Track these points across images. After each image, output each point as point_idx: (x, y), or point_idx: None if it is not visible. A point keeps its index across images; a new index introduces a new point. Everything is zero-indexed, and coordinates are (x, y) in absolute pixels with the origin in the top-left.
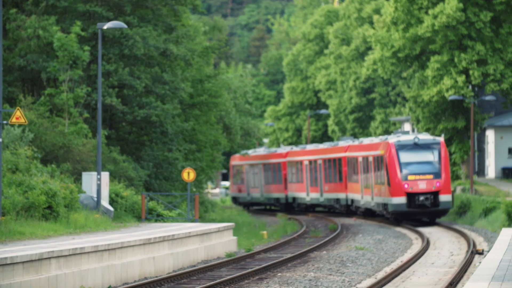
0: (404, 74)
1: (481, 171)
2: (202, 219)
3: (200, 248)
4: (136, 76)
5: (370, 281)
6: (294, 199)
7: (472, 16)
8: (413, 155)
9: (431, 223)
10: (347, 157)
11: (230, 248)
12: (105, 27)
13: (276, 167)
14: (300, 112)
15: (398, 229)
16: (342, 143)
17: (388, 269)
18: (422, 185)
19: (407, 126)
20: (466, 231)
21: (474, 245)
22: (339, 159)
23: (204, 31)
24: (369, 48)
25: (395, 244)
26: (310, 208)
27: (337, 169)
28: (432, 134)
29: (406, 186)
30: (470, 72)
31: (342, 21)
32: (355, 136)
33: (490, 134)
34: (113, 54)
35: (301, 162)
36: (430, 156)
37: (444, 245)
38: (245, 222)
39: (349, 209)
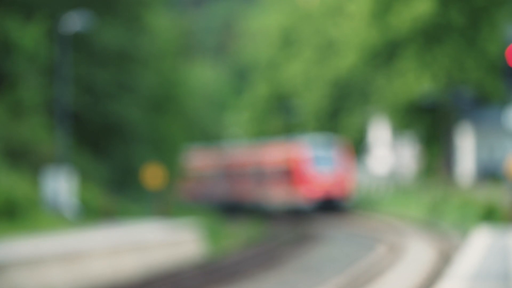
0: (379, 77)
1: (457, 171)
2: (168, 219)
3: (165, 252)
4: (101, 75)
5: (340, 284)
6: None
7: (452, 12)
8: (318, 159)
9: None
10: (250, 161)
11: (197, 252)
12: (68, 22)
13: None
14: (271, 108)
15: (368, 230)
16: (243, 147)
17: (358, 272)
18: (326, 186)
19: (381, 124)
20: (439, 231)
21: (448, 246)
22: (242, 163)
23: (167, 31)
24: (336, 42)
25: (366, 246)
26: None
27: (240, 173)
28: (406, 133)
29: (312, 188)
30: (446, 69)
31: (315, 18)
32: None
33: (467, 133)
34: (76, 52)
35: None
36: (333, 159)
37: (417, 246)
38: (212, 224)
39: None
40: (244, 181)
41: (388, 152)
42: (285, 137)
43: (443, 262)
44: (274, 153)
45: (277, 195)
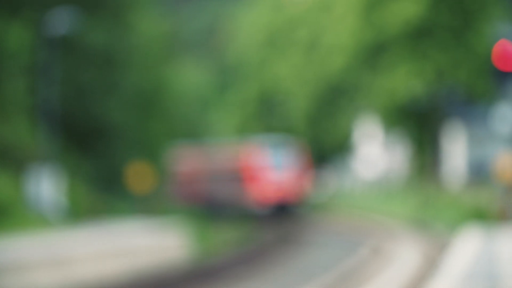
0: (368, 75)
1: (448, 171)
2: (153, 219)
3: (151, 254)
4: (87, 74)
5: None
6: None
7: (442, 12)
8: (272, 161)
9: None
10: (214, 162)
11: (183, 254)
12: (54, 22)
13: None
14: (259, 108)
15: (354, 233)
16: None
17: (342, 276)
18: (280, 191)
19: (371, 123)
20: (427, 234)
21: (433, 247)
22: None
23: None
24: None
25: (351, 250)
26: None
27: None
28: (397, 131)
29: (265, 192)
30: (436, 66)
31: (303, 18)
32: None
33: (458, 133)
34: (62, 51)
35: None
36: (288, 161)
37: (403, 249)
38: (195, 225)
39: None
40: (208, 182)
41: (380, 152)
42: (239, 137)
43: (429, 264)
44: (230, 154)
45: (234, 198)
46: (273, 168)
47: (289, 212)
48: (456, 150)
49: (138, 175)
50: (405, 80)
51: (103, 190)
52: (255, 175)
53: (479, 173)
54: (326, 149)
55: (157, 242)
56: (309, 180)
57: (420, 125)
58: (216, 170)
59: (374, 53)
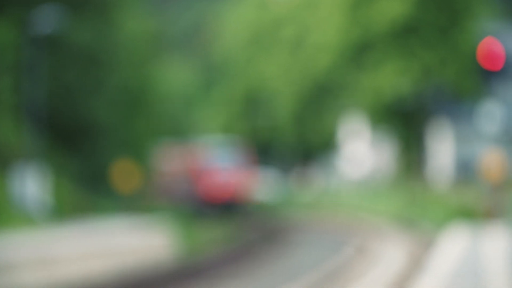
0: (354, 72)
1: (436, 170)
2: (137, 217)
3: (134, 253)
4: (73, 72)
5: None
6: None
7: (430, 11)
8: (218, 161)
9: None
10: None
11: (168, 253)
12: (40, 19)
13: None
14: (245, 108)
15: (339, 232)
16: None
17: (328, 276)
18: (226, 190)
19: (358, 121)
20: (413, 233)
21: (421, 247)
22: None
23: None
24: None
25: (336, 249)
26: None
27: None
28: (382, 130)
29: (211, 191)
30: (423, 64)
31: (289, 17)
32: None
33: (446, 131)
34: (48, 50)
35: None
36: (230, 163)
37: (389, 248)
38: (180, 223)
39: None
40: (176, 182)
41: (366, 150)
42: (186, 138)
43: (415, 263)
44: (180, 154)
45: (189, 198)
46: (218, 168)
47: (237, 211)
48: (442, 149)
49: (123, 174)
50: (391, 78)
51: (89, 188)
52: (201, 175)
53: (466, 172)
54: (312, 148)
55: (142, 241)
56: (255, 179)
57: (407, 123)
58: (180, 170)
59: (361, 51)
